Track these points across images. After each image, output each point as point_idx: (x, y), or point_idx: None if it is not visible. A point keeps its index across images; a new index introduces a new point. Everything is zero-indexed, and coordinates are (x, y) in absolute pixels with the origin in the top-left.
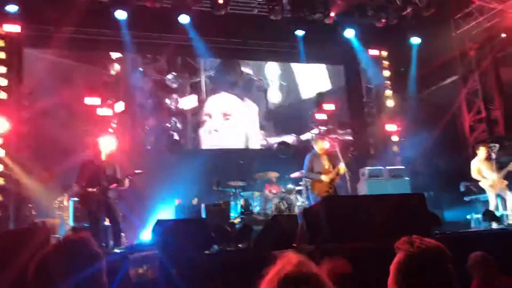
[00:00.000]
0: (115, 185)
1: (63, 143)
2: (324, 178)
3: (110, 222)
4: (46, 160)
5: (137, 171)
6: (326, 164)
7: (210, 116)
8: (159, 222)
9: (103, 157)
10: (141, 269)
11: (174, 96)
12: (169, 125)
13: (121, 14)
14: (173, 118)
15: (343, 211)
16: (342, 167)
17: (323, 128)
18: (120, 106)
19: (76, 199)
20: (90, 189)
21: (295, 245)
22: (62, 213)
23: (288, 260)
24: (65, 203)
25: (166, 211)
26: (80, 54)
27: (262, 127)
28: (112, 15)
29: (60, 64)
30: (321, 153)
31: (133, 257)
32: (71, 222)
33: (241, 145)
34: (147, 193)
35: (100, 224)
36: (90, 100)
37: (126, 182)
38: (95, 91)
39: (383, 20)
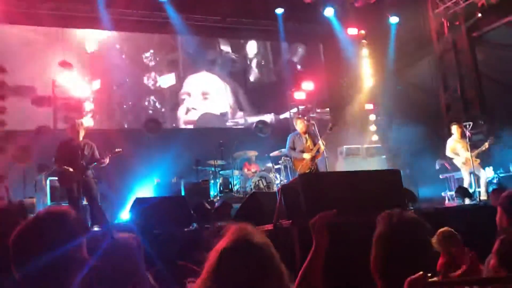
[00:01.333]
0: (93, 164)
1: (38, 121)
2: (306, 156)
3: (88, 201)
4: (21, 139)
5: (116, 150)
6: (307, 142)
7: (189, 95)
8: (138, 200)
9: (80, 137)
10: None
11: (152, 74)
12: (147, 104)
13: None
14: (152, 97)
15: (319, 187)
16: (321, 144)
17: (301, 107)
18: (96, 84)
19: (54, 178)
20: (69, 168)
21: (274, 221)
22: (39, 193)
23: (235, 231)
24: (42, 182)
25: (145, 190)
26: (55, 30)
27: (241, 106)
28: None
29: (34, 41)
30: (301, 132)
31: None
32: (48, 202)
33: (220, 124)
34: (125, 173)
35: (79, 203)
36: (65, 78)
37: (107, 159)
38: (70, 69)
39: None
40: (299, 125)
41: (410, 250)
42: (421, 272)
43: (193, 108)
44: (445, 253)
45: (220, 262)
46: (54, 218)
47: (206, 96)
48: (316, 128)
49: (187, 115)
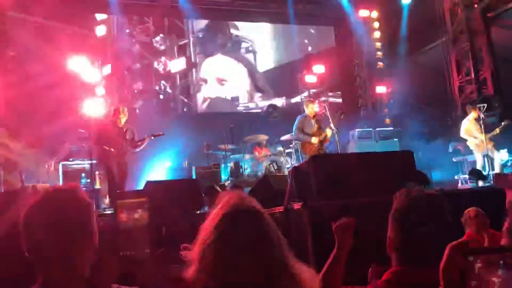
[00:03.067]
0: (135, 148)
1: (49, 107)
2: (314, 140)
3: (119, 180)
4: (33, 124)
5: (156, 133)
6: (316, 126)
7: (205, 81)
8: (149, 183)
9: (122, 122)
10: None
11: (162, 58)
12: (158, 88)
13: None
14: (162, 81)
15: (331, 169)
16: (329, 131)
17: (313, 90)
18: (107, 69)
19: (66, 162)
20: (111, 149)
21: (284, 203)
22: (52, 178)
23: (232, 196)
24: (54, 167)
25: (157, 174)
26: (65, 16)
27: (252, 90)
28: None
29: (44, 27)
30: (311, 115)
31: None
32: None
33: (231, 109)
34: (136, 156)
35: (116, 183)
36: (76, 63)
37: (146, 141)
38: (81, 54)
39: None
40: (309, 108)
41: (428, 224)
42: (464, 238)
43: (208, 96)
44: (471, 230)
45: (223, 226)
46: (62, 196)
47: (223, 83)
48: (328, 111)
49: (201, 100)
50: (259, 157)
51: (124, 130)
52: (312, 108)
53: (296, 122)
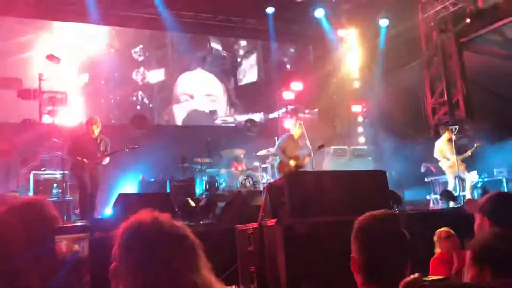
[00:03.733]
0: (107, 158)
1: (22, 115)
2: (292, 163)
3: (91, 191)
4: (5, 132)
5: (131, 146)
6: (297, 150)
7: (191, 96)
8: (121, 196)
9: (96, 133)
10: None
11: (141, 69)
12: (135, 99)
13: None
14: (140, 92)
15: (305, 186)
16: (307, 158)
17: (290, 107)
18: (84, 78)
19: (38, 172)
20: (84, 160)
21: (258, 219)
22: (22, 187)
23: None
24: (26, 176)
25: (130, 186)
26: (43, 23)
27: (231, 104)
28: None
29: (20, 32)
30: (296, 137)
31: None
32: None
33: (209, 122)
34: (110, 167)
35: (87, 192)
36: (53, 71)
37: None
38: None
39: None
40: (297, 130)
41: (389, 245)
42: (416, 274)
43: (187, 110)
44: (442, 250)
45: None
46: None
47: (201, 96)
48: (304, 129)
49: (179, 113)
50: (235, 172)
51: (98, 141)
52: (299, 130)
53: (280, 141)
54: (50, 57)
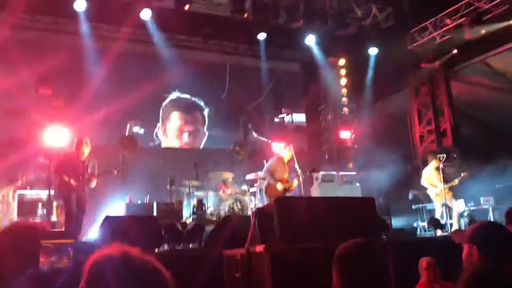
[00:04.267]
0: (95, 181)
1: (8, 133)
2: (279, 187)
3: (78, 213)
4: None
5: (119, 168)
6: (285, 173)
7: (176, 120)
8: (108, 218)
9: (85, 154)
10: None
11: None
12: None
13: (80, 5)
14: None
15: (294, 213)
16: (295, 182)
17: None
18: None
19: (22, 192)
20: (71, 180)
21: (246, 245)
22: (5, 207)
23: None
24: (10, 196)
25: (117, 208)
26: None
27: (219, 127)
28: (71, 5)
29: (7, 49)
30: (286, 160)
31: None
32: (15, 216)
33: (197, 145)
34: (97, 189)
35: (73, 214)
36: (41, 89)
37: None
38: (46, 80)
39: (343, 29)
40: (287, 153)
41: (370, 273)
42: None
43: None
44: (423, 279)
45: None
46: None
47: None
48: (293, 152)
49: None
50: (223, 195)
51: (86, 162)
52: (290, 154)
53: (269, 163)
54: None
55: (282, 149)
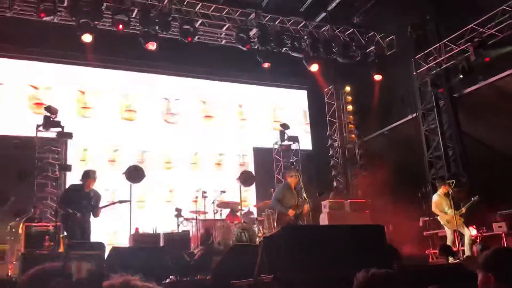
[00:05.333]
0: (97, 213)
1: (17, 166)
2: (291, 212)
3: None
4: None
5: (123, 200)
6: (295, 199)
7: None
8: (114, 249)
9: (91, 187)
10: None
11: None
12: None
13: (87, 38)
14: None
15: (303, 241)
16: (306, 208)
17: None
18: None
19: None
20: (76, 213)
21: (254, 275)
22: (13, 239)
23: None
24: (18, 228)
25: (122, 240)
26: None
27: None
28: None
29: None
30: (292, 186)
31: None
32: (22, 248)
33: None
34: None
35: None
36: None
37: (110, 206)
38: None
39: (348, 57)
40: (294, 180)
41: None
42: None
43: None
44: None
45: None
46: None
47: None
48: (301, 180)
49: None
50: (231, 225)
51: (91, 195)
52: (296, 179)
53: (276, 192)
54: (48, 108)
55: (288, 175)
